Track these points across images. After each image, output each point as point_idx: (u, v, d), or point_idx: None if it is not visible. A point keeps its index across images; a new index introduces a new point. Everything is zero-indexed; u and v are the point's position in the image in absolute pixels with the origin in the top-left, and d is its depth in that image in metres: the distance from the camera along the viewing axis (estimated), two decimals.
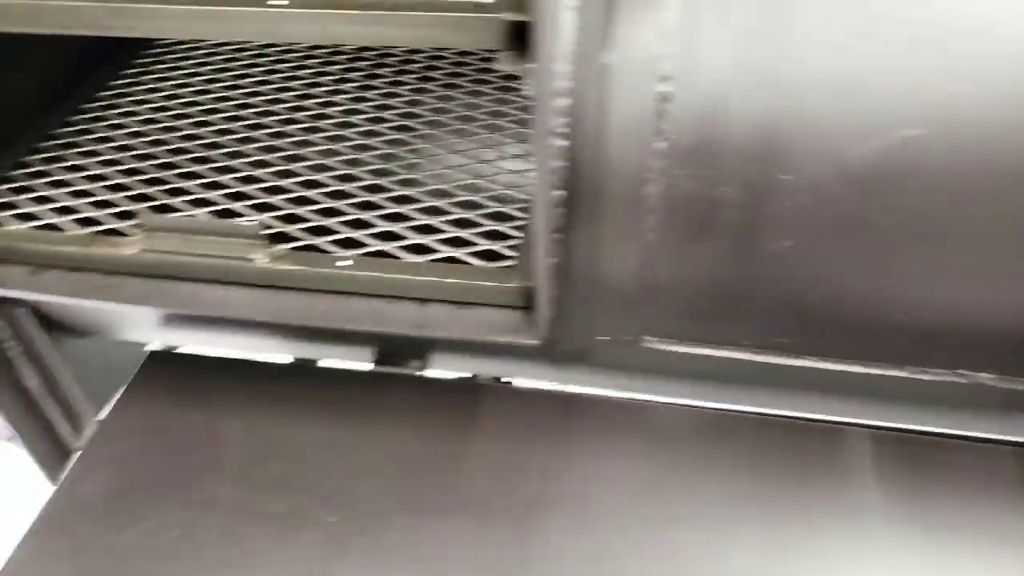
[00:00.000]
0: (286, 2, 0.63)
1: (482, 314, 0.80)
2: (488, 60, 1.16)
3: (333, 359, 0.97)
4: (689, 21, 0.62)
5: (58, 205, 0.92)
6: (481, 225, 0.88)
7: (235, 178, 0.96)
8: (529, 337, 0.77)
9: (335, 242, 0.86)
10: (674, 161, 0.65)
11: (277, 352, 1.01)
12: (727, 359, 0.77)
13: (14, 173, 0.97)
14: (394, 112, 1.07)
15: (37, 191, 0.94)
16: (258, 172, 0.97)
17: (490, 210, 0.89)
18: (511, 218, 0.88)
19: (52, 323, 1.00)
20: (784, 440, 0.85)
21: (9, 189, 0.94)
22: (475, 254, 0.84)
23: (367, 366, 0.96)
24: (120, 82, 1.17)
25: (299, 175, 0.96)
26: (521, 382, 0.97)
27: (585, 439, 0.88)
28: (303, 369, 1.03)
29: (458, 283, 0.80)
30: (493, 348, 0.90)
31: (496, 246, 0.85)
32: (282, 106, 1.10)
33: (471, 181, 0.94)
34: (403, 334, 0.81)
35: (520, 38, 0.62)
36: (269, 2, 0.63)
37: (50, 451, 1.14)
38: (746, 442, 0.86)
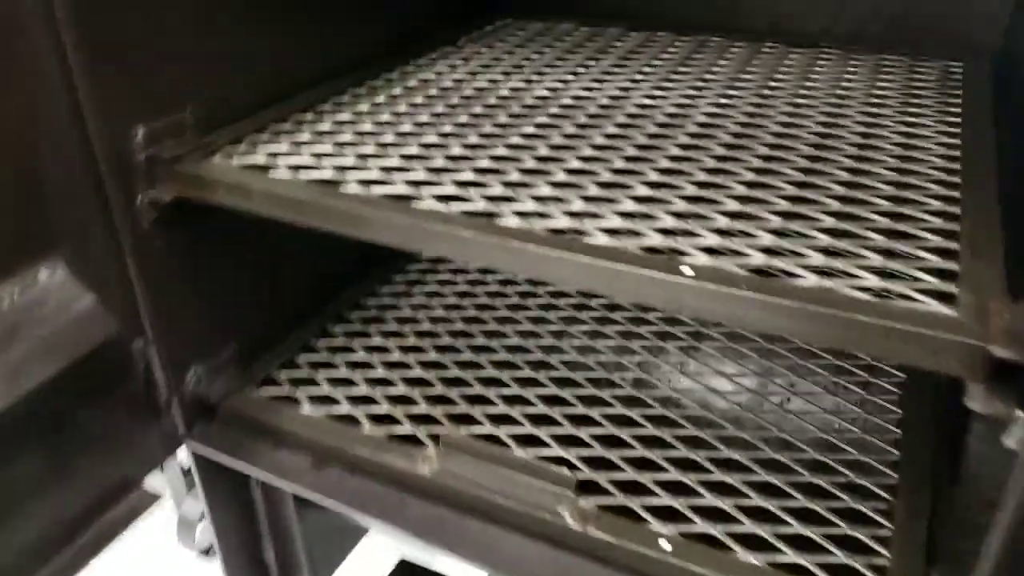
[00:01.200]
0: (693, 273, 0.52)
1: None
2: None
3: None
4: None
5: (353, 394, 0.85)
6: (833, 524, 0.69)
7: (539, 395, 0.85)
8: None
9: (649, 508, 0.71)
10: None
11: None
12: None
13: (318, 343, 0.94)
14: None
15: (335, 368, 0.89)
16: (564, 392, 0.86)
17: (844, 504, 0.71)
18: (872, 522, 0.69)
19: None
20: None
21: (309, 363, 0.90)
22: (825, 566, 0.65)
23: None
24: (419, 266, 1.13)
25: (612, 405, 0.84)
26: None
27: None
28: None
29: None
30: None
31: (853, 561, 0.66)
32: (590, 314, 1.00)
33: (823, 458, 0.77)
34: None
35: (1003, 373, 0.46)
36: (683, 270, 0.52)
37: None
38: None
